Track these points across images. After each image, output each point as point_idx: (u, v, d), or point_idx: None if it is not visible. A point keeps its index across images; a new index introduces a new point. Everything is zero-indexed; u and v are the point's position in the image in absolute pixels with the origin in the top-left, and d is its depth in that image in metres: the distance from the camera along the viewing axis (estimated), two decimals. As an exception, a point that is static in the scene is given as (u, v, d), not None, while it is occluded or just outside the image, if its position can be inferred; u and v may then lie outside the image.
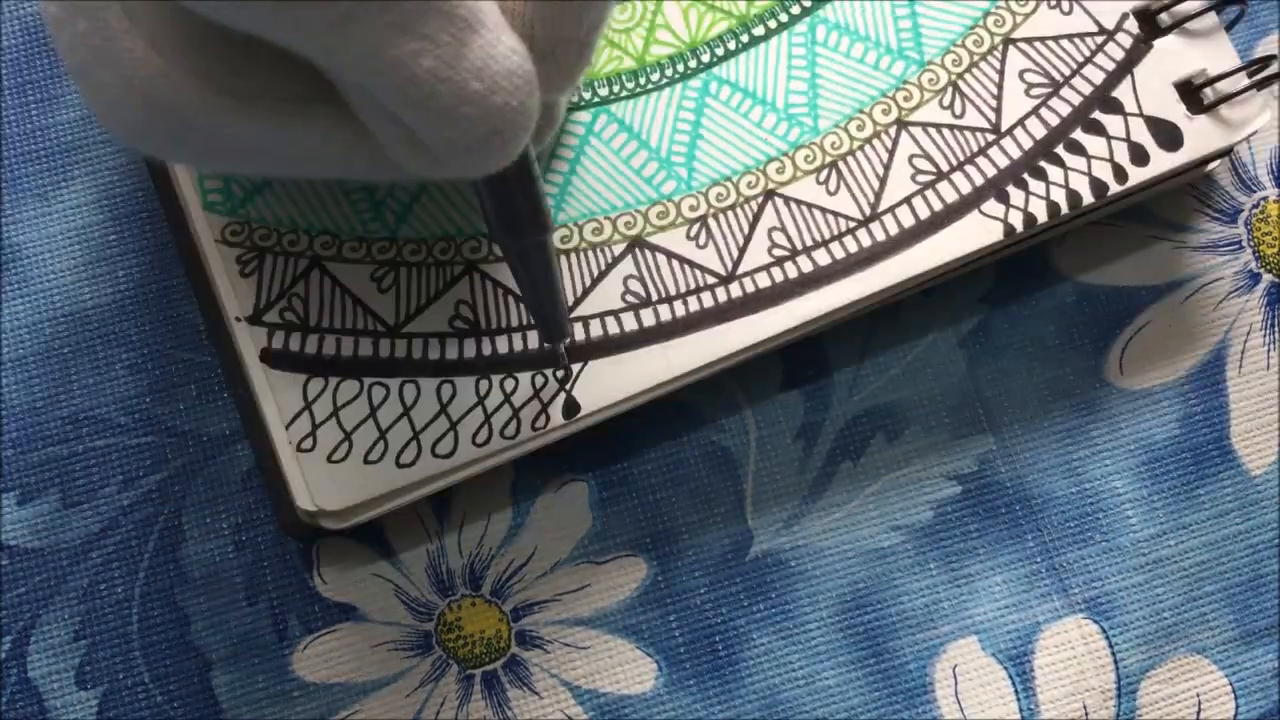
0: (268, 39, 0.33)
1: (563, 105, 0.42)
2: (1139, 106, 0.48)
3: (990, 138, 0.47)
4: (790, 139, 0.47)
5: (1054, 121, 0.48)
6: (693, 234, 0.47)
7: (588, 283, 0.46)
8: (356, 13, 0.32)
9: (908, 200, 0.47)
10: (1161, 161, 0.47)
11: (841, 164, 0.47)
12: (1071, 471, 0.50)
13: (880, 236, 0.47)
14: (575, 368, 0.45)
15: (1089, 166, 0.47)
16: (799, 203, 0.47)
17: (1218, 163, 0.51)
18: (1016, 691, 0.48)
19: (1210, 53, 0.48)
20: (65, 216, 0.50)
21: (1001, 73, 0.48)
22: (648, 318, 0.46)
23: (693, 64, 0.48)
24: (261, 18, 0.32)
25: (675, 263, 0.46)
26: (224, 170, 0.40)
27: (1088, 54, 0.48)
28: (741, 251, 0.46)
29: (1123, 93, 0.48)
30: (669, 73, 0.48)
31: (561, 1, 0.36)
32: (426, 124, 0.34)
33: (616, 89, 0.48)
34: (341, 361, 0.45)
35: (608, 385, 0.45)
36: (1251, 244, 0.52)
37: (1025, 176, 0.47)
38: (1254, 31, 0.53)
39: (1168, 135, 0.48)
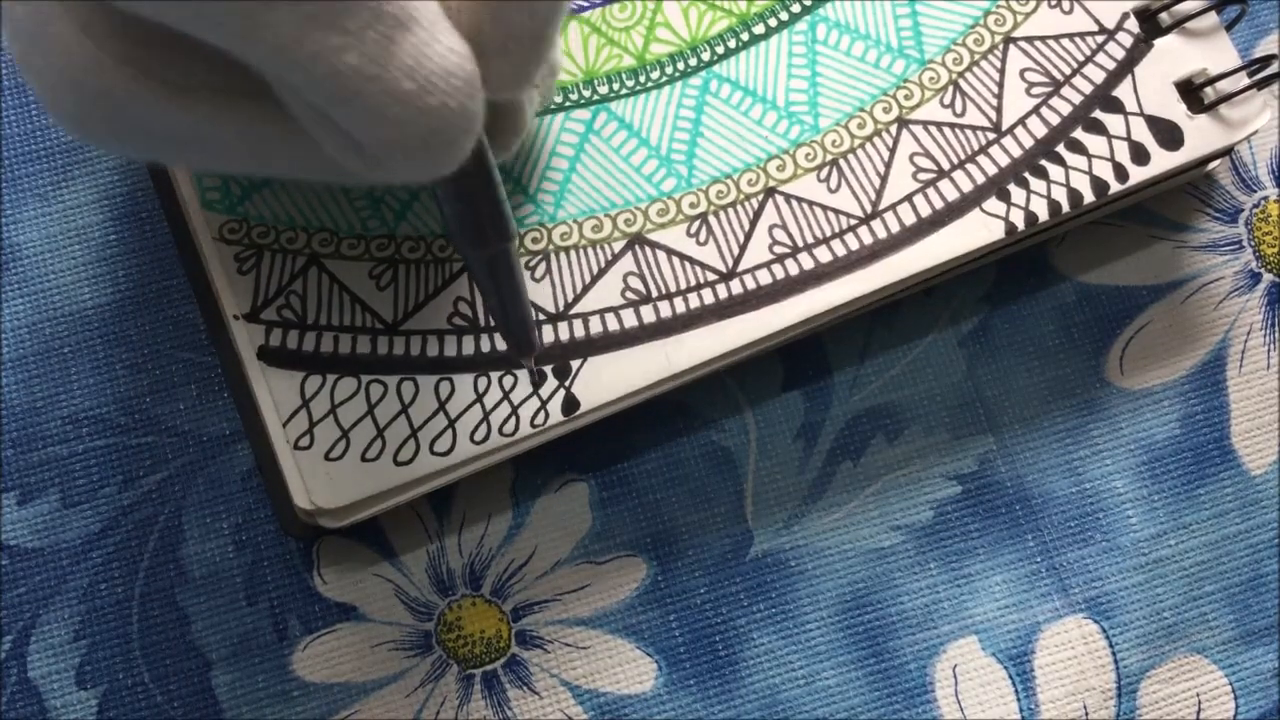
0: (181, 30, 0.33)
1: (529, 112, 0.42)
2: (1139, 106, 0.48)
3: (991, 136, 0.47)
4: (791, 137, 0.47)
5: (1055, 120, 0.48)
6: (693, 231, 0.47)
7: (588, 280, 0.46)
8: (271, 5, 0.31)
9: (908, 198, 0.47)
10: (1162, 161, 0.47)
11: (842, 162, 0.47)
12: (1071, 471, 0.50)
13: (881, 234, 0.47)
14: (575, 364, 0.45)
15: (1090, 165, 0.47)
16: (799, 200, 0.47)
17: (1218, 162, 0.51)
18: (1016, 691, 0.48)
19: (1210, 52, 0.48)
20: (65, 216, 0.50)
21: (1002, 71, 0.48)
22: (648, 315, 0.46)
23: (693, 62, 0.48)
24: (169, 6, 0.32)
25: (675, 260, 0.46)
26: (169, 162, 0.39)
27: (1088, 53, 0.48)
28: (742, 249, 0.46)
29: (1123, 92, 0.48)
30: (669, 71, 0.48)
31: None
32: (356, 123, 0.33)
33: (616, 87, 0.48)
34: (339, 359, 0.45)
35: (607, 382, 0.45)
36: (1252, 244, 0.52)
37: (1026, 175, 0.47)
38: (1254, 31, 0.53)
39: (1168, 134, 0.48)
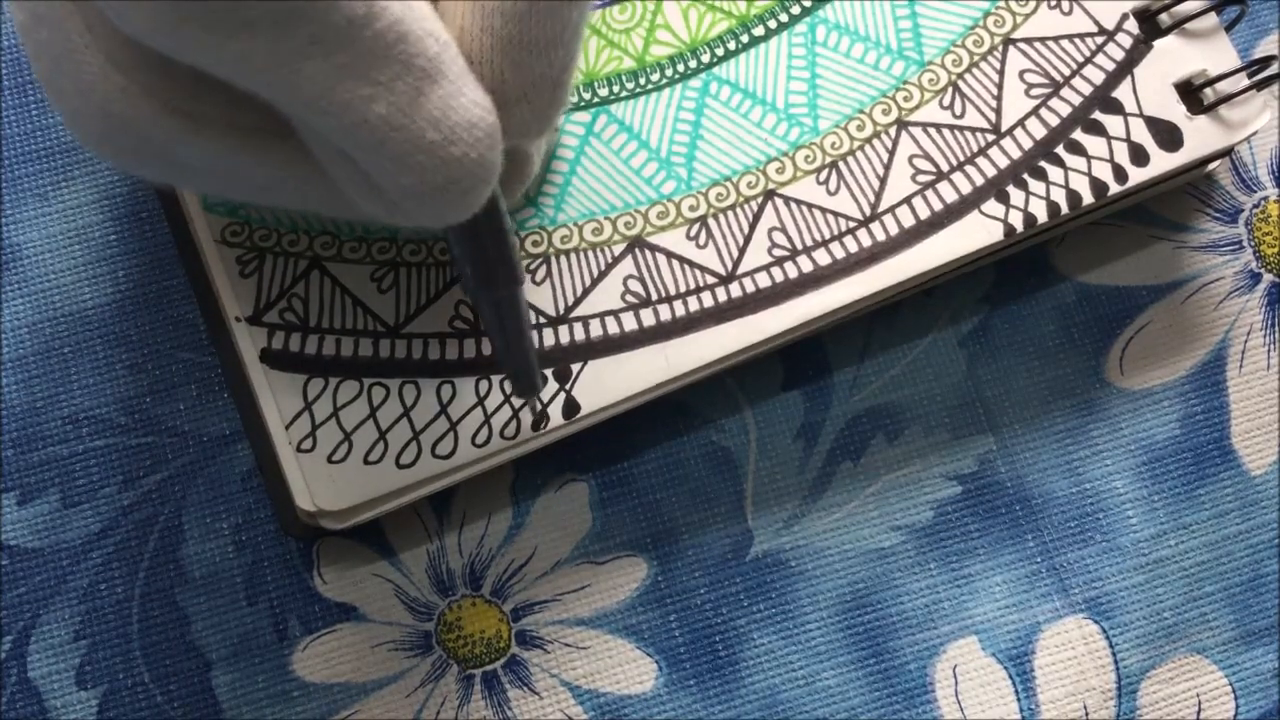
0: (212, 73, 0.33)
1: (536, 160, 0.42)
2: (1139, 107, 0.48)
3: (990, 138, 0.47)
4: (790, 139, 0.47)
5: (1054, 122, 0.48)
6: (693, 234, 0.47)
7: (587, 283, 0.46)
8: (307, 53, 0.32)
9: (908, 200, 0.47)
10: (1162, 162, 0.47)
11: (841, 164, 0.47)
12: (1071, 471, 0.50)
13: (880, 236, 0.47)
14: (575, 368, 0.45)
15: (1089, 167, 0.47)
16: (799, 203, 0.47)
17: (1218, 163, 0.51)
18: (1017, 691, 0.48)
19: (1210, 53, 0.48)
20: (65, 216, 0.50)
21: (1001, 73, 0.48)
22: (647, 318, 0.46)
23: (693, 64, 0.48)
24: (206, 50, 0.32)
25: (675, 263, 0.46)
26: (187, 187, 0.40)
27: (1088, 54, 0.48)
28: (741, 251, 0.46)
29: (1123, 93, 0.48)
30: (669, 73, 0.48)
31: (529, 44, 0.35)
32: (379, 169, 0.34)
33: (616, 89, 0.48)
34: (341, 362, 0.45)
35: (607, 385, 0.45)
36: (1252, 244, 0.52)
37: (1025, 176, 0.47)
38: (1254, 31, 0.53)
39: (1168, 135, 0.48)
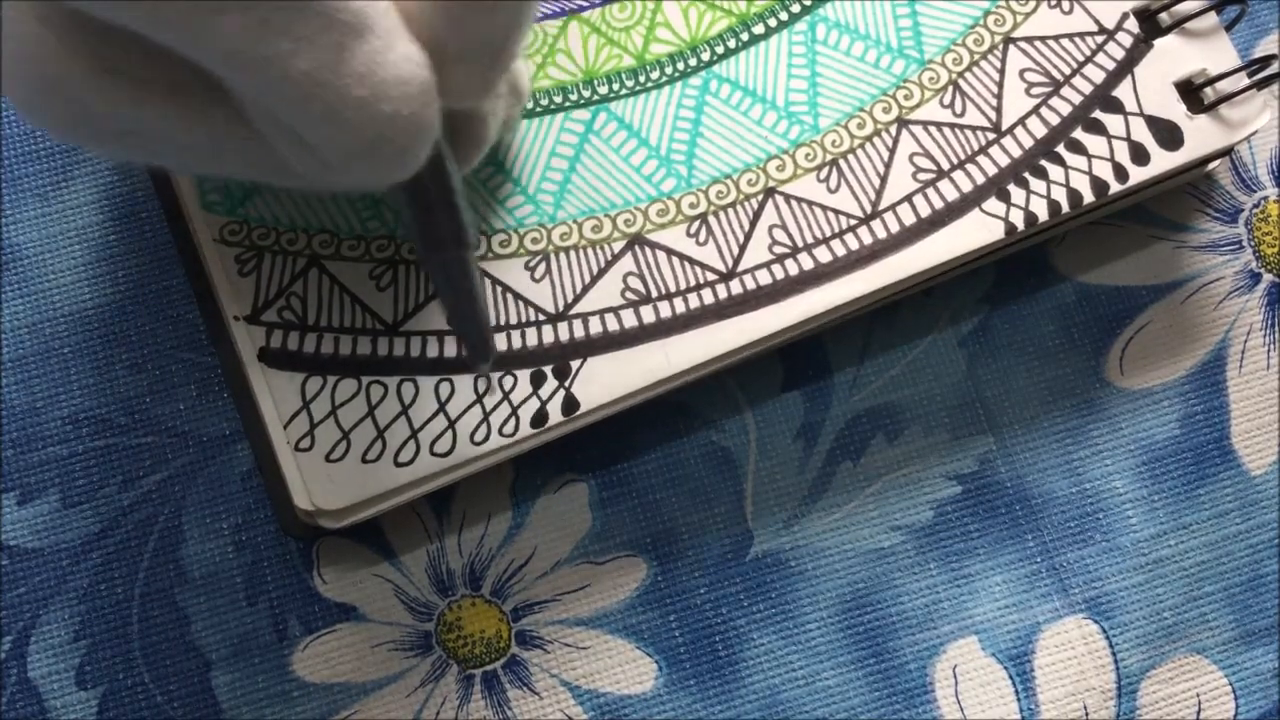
0: (134, 30, 0.32)
1: (491, 126, 0.42)
2: (1139, 106, 0.48)
3: (991, 136, 0.47)
4: (791, 137, 0.47)
5: (1054, 120, 0.48)
6: (693, 231, 0.47)
7: (587, 280, 0.46)
8: (223, 7, 0.31)
9: (908, 198, 0.47)
10: (1162, 161, 0.47)
11: (842, 162, 0.47)
12: (1071, 471, 0.50)
13: (881, 234, 0.47)
14: (574, 365, 0.45)
15: (1089, 165, 0.47)
16: (799, 200, 0.47)
17: (1218, 162, 0.51)
18: (1017, 691, 0.48)
19: (1210, 52, 0.48)
20: (65, 216, 0.50)
21: (1002, 71, 0.48)
22: (647, 315, 0.46)
23: (693, 62, 0.48)
24: (121, 7, 0.31)
25: (675, 260, 0.46)
26: (122, 156, 0.39)
27: (1088, 53, 0.48)
28: (742, 249, 0.46)
29: (1123, 92, 0.48)
30: (669, 71, 0.48)
31: (469, 3, 0.35)
32: (307, 127, 0.34)
33: (616, 87, 0.48)
34: (340, 360, 0.45)
35: (607, 383, 0.45)
36: (1252, 244, 0.52)
37: (1026, 175, 0.47)
38: (1254, 31, 0.53)
39: (1168, 135, 0.48)
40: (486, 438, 0.45)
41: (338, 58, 0.33)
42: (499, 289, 0.46)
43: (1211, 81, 0.48)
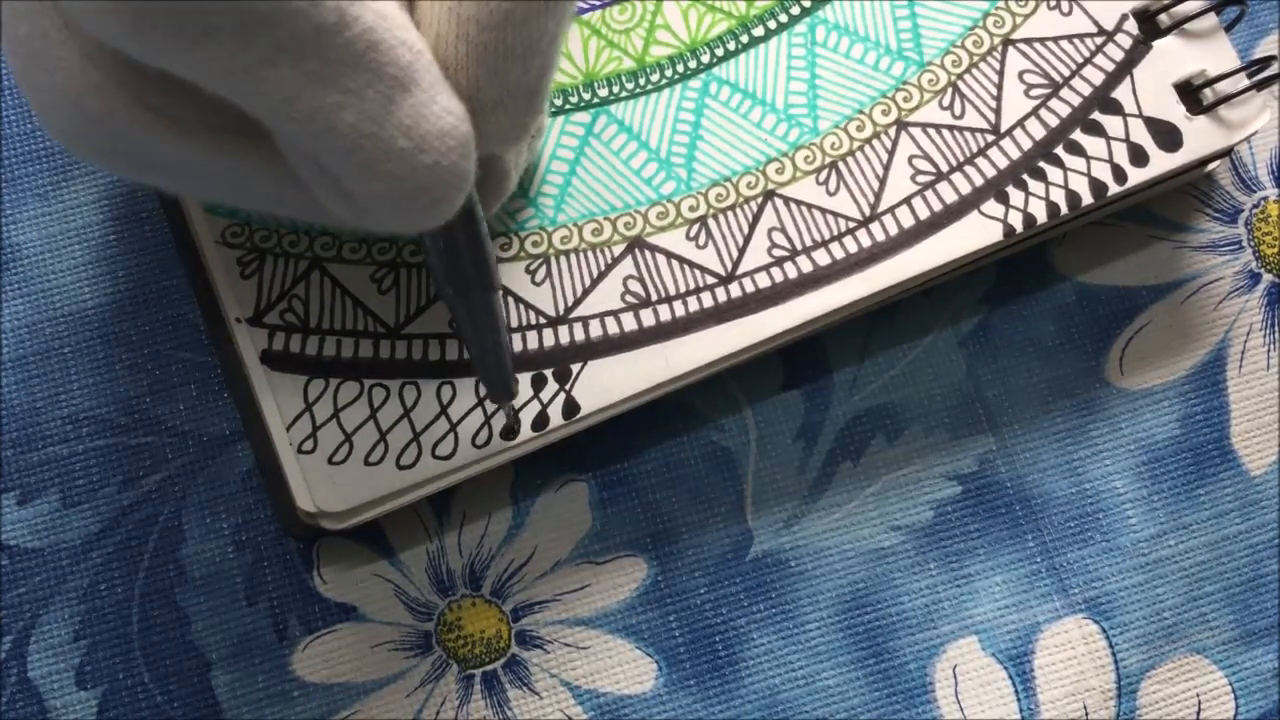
0: (183, 77, 0.33)
1: (514, 173, 0.42)
2: (1138, 107, 0.48)
3: (990, 138, 0.47)
4: (790, 140, 0.47)
5: (1053, 122, 0.48)
6: (692, 234, 0.47)
7: (587, 283, 0.46)
8: (274, 60, 0.32)
9: (907, 201, 0.47)
10: (1161, 162, 0.47)
11: (841, 164, 0.47)
12: (1071, 471, 0.50)
13: (880, 237, 0.47)
14: (575, 368, 0.45)
15: (1088, 167, 0.47)
16: (799, 203, 0.47)
17: (1218, 163, 0.51)
18: (1016, 691, 0.48)
19: (1210, 53, 0.48)
20: (65, 216, 0.50)
21: (1001, 73, 0.48)
22: (647, 318, 0.46)
23: (692, 64, 0.48)
24: (170, 54, 0.32)
25: (675, 263, 0.46)
26: (161, 185, 0.40)
27: (1087, 55, 0.48)
28: (741, 252, 0.46)
29: (1122, 93, 0.48)
30: (669, 73, 0.48)
31: (505, 52, 0.35)
32: (349, 175, 0.34)
33: (616, 89, 0.48)
34: (342, 363, 0.45)
35: (607, 385, 0.45)
36: (1252, 244, 0.52)
37: (1025, 177, 0.47)
38: (1254, 31, 0.53)
39: (1167, 136, 0.48)
40: (488, 440, 0.45)
41: (384, 110, 0.33)
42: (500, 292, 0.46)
43: (1211, 82, 0.48)
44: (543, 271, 0.46)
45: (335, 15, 0.32)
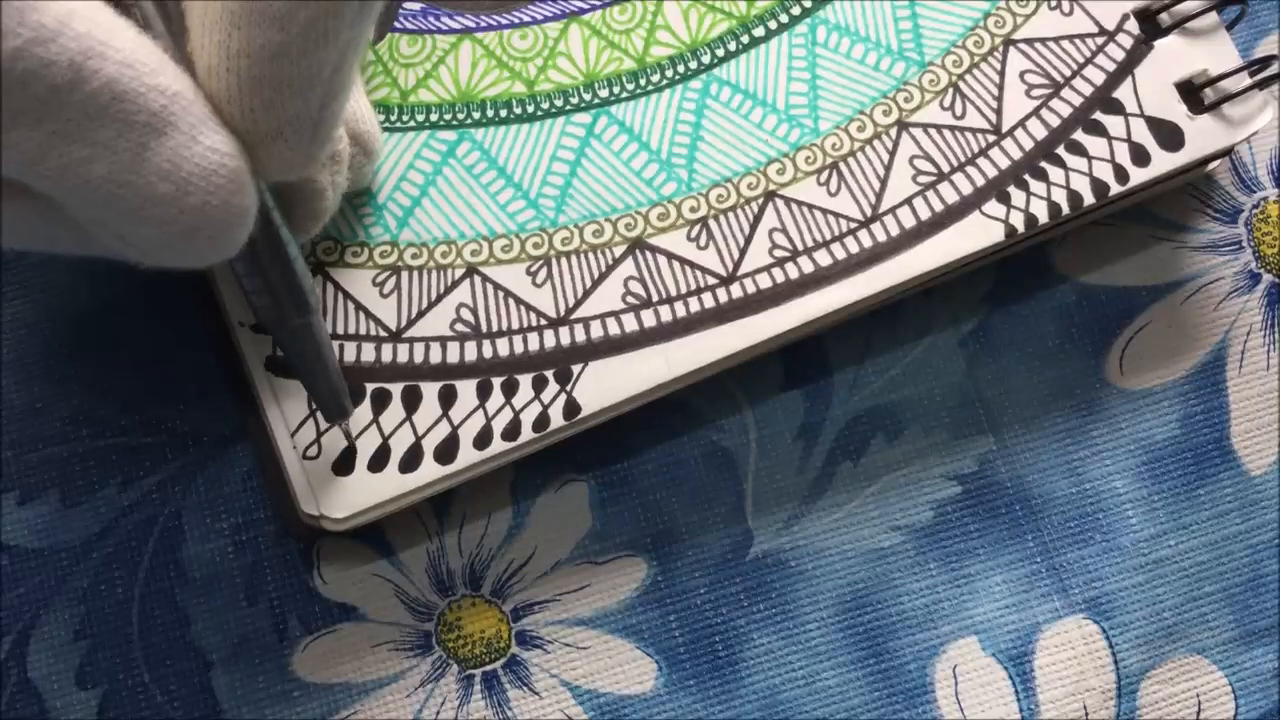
0: None
1: (331, 199, 0.42)
2: (1140, 107, 0.48)
3: (991, 139, 0.47)
4: (791, 140, 0.47)
5: (1055, 122, 0.48)
6: (693, 235, 0.47)
7: (588, 284, 0.46)
8: (11, 124, 0.31)
9: (908, 201, 0.47)
10: (1162, 162, 0.47)
11: (842, 165, 0.47)
12: (1071, 471, 0.50)
13: (881, 237, 0.47)
14: (575, 369, 0.45)
15: (1090, 167, 0.47)
16: (800, 204, 0.47)
17: (1218, 163, 0.51)
18: (1016, 691, 0.48)
19: (1211, 53, 0.48)
20: (65, 216, 0.50)
21: (1002, 74, 0.48)
22: (648, 319, 0.46)
23: (693, 65, 0.48)
24: None
25: (676, 264, 0.46)
26: None
27: (1088, 55, 0.48)
28: (742, 252, 0.46)
29: (1123, 93, 0.48)
30: (669, 74, 0.48)
31: (281, 85, 0.34)
32: (116, 224, 0.34)
33: (617, 90, 0.48)
34: (344, 367, 0.45)
35: (608, 386, 0.45)
36: (1252, 244, 0.52)
37: (1026, 177, 0.47)
38: (1254, 31, 0.53)
39: (1168, 135, 0.48)
40: (489, 443, 0.45)
41: (138, 158, 0.33)
42: (500, 294, 0.46)
43: (1212, 82, 0.48)
44: (544, 273, 0.46)
45: (70, 74, 0.31)
